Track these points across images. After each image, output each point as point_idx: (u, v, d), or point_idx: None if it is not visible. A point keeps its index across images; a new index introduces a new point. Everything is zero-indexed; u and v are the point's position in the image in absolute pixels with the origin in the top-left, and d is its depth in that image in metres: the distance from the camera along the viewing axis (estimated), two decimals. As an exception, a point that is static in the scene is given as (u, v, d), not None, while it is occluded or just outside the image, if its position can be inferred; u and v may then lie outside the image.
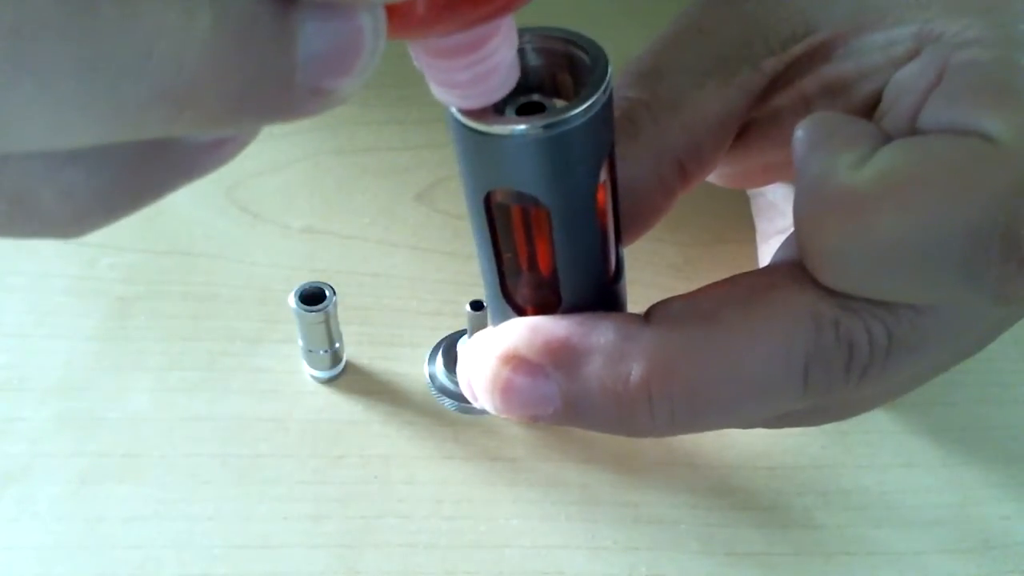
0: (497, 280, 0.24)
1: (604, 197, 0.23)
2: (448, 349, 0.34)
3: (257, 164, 0.41)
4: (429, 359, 0.35)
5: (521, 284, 0.24)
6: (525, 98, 0.22)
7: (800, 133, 0.23)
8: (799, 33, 0.26)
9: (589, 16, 0.48)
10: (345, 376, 0.34)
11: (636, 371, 0.22)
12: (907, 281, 0.21)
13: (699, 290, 0.23)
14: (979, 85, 0.22)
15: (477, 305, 0.31)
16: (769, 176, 0.31)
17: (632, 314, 0.24)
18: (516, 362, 0.23)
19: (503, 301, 0.24)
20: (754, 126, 0.28)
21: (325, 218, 0.40)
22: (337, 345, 0.33)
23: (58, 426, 0.32)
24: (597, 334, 0.22)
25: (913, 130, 0.23)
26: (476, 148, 0.21)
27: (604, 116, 0.21)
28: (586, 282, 0.23)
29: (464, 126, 0.20)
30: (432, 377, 0.34)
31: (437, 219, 0.40)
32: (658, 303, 0.23)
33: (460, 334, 0.34)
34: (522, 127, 0.20)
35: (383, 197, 0.41)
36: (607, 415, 0.23)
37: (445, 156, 0.42)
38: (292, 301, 0.32)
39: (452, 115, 0.20)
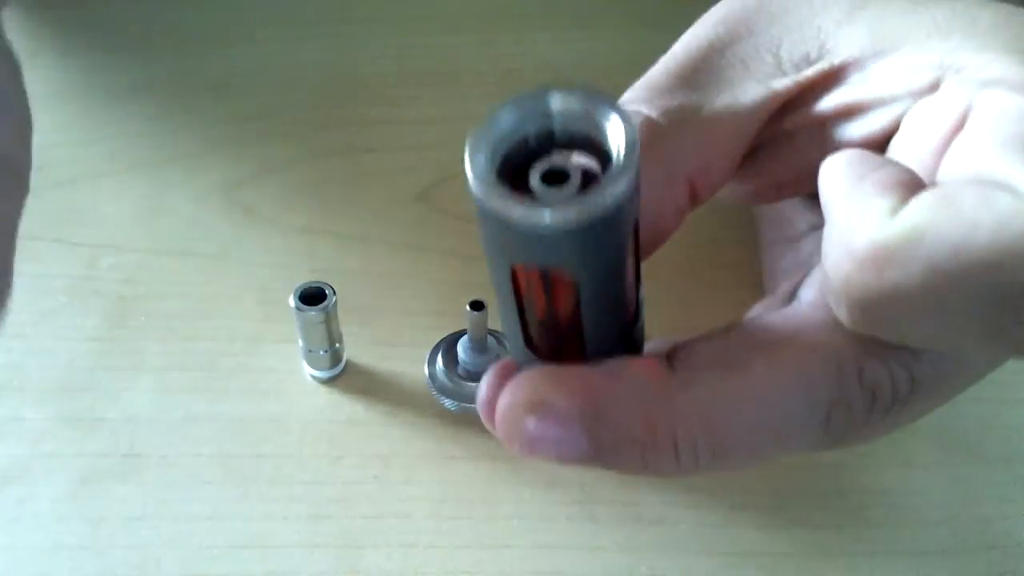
0: (521, 335, 0.24)
1: (631, 259, 0.22)
2: (448, 349, 0.34)
3: (257, 164, 0.41)
4: (429, 359, 0.35)
5: (545, 336, 0.24)
6: (547, 159, 0.21)
7: (828, 172, 0.22)
8: (813, 55, 0.26)
9: (589, 16, 0.48)
10: (345, 376, 0.34)
11: (663, 421, 0.22)
12: (935, 334, 0.21)
13: (722, 332, 0.23)
14: (1007, 136, 0.21)
15: (477, 305, 0.31)
16: (781, 193, 0.30)
17: (655, 358, 0.23)
18: (542, 411, 0.23)
19: (527, 351, 0.24)
20: (766, 145, 0.27)
21: (325, 218, 0.40)
22: (337, 345, 0.33)
23: (58, 426, 0.32)
24: (623, 384, 0.22)
25: (935, 170, 0.23)
26: (502, 230, 0.20)
27: (632, 190, 0.20)
28: (611, 334, 0.23)
29: (489, 212, 0.19)
30: (432, 377, 0.34)
31: (437, 219, 0.40)
32: (681, 345, 0.23)
33: (460, 334, 0.34)
34: (549, 217, 0.19)
35: (383, 197, 0.41)
36: (633, 462, 0.23)
37: (445, 156, 0.42)
38: (292, 301, 0.32)
39: (476, 197, 0.20)
